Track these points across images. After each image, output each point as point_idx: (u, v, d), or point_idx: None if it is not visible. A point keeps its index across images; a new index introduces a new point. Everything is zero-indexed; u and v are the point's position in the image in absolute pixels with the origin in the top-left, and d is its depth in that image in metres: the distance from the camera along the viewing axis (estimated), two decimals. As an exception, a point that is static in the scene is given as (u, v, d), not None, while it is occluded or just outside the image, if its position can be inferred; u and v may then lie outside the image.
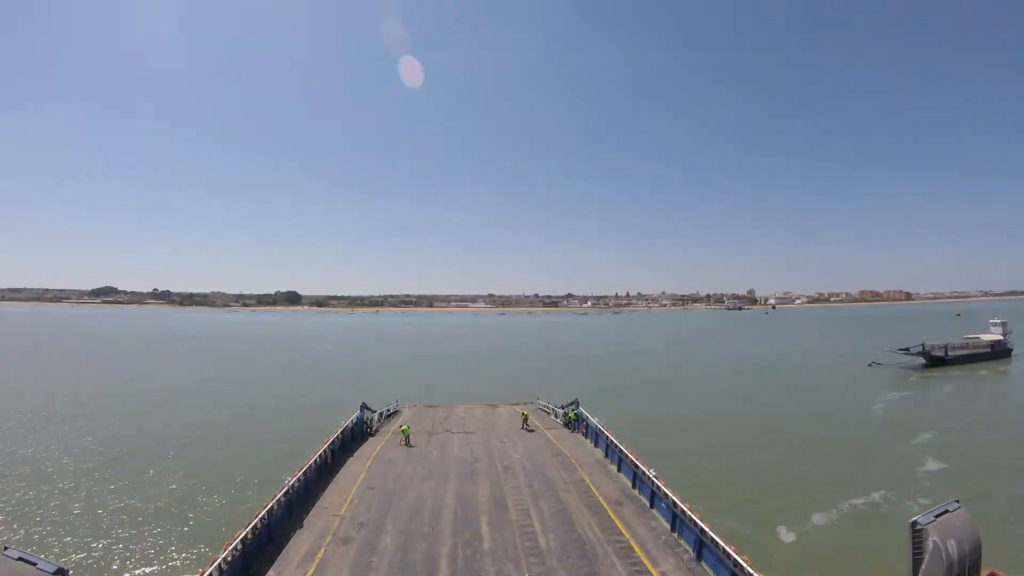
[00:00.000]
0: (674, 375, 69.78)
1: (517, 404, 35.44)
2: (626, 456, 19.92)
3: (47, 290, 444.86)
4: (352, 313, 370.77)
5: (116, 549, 20.32)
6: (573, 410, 28.99)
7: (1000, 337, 78.90)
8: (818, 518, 22.82)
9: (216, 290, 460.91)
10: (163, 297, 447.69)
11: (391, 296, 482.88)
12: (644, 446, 21.90)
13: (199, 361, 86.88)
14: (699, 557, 13.50)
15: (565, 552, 14.13)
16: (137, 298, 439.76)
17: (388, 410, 32.68)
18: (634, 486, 18.88)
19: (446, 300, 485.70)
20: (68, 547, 20.32)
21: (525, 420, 29.60)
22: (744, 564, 11.59)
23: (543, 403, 34.29)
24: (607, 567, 13.32)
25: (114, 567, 19.03)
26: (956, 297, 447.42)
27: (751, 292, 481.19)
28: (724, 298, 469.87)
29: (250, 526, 13.82)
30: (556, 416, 31.19)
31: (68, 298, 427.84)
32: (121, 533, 21.62)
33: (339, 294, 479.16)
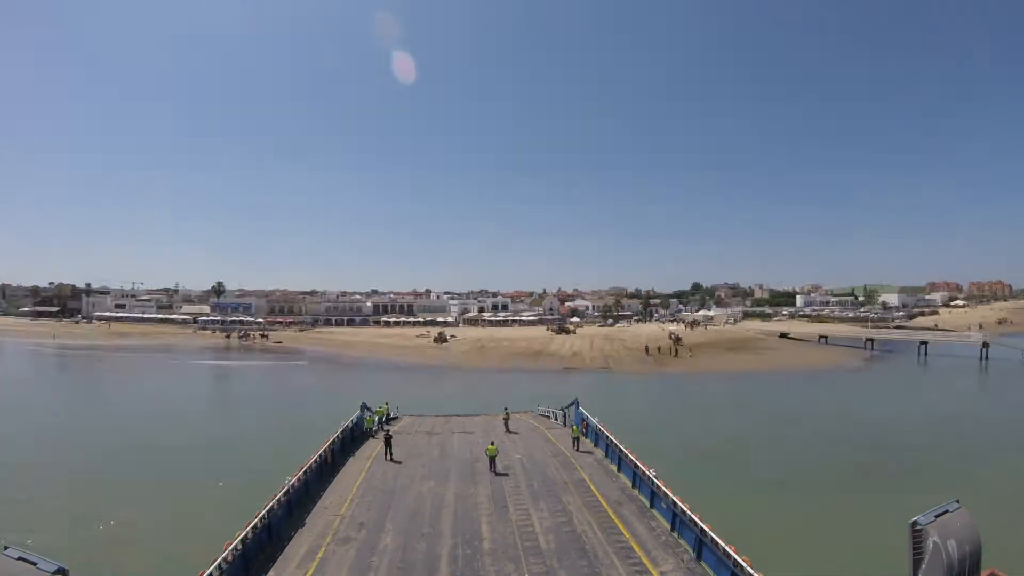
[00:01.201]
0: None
1: (518, 412, 35.54)
2: (626, 456, 19.95)
3: None
4: None
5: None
6: (577, 427, 26.07)
7: None
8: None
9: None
10: None
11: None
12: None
13: None
14: (699, 557, 13.51)
15: (565, 552, 14.15)
16: None
17: (388, 415, 32.86)
18: (634, 486, 18.89)
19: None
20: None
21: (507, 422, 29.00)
22: (744, 564, 11.59)
23: (544, 408, 34.59)
24: (607, 567, 13.34)
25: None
26: None
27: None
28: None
29: (250, 526, 13.84)
30: (556, 418, 31.34)
31: None
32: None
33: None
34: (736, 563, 11.80)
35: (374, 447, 25.47)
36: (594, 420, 25.42)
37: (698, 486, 19.85)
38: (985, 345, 71.10)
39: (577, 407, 28.77)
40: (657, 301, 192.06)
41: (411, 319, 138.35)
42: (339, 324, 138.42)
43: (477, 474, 21.26)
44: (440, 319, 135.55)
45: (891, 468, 30.02)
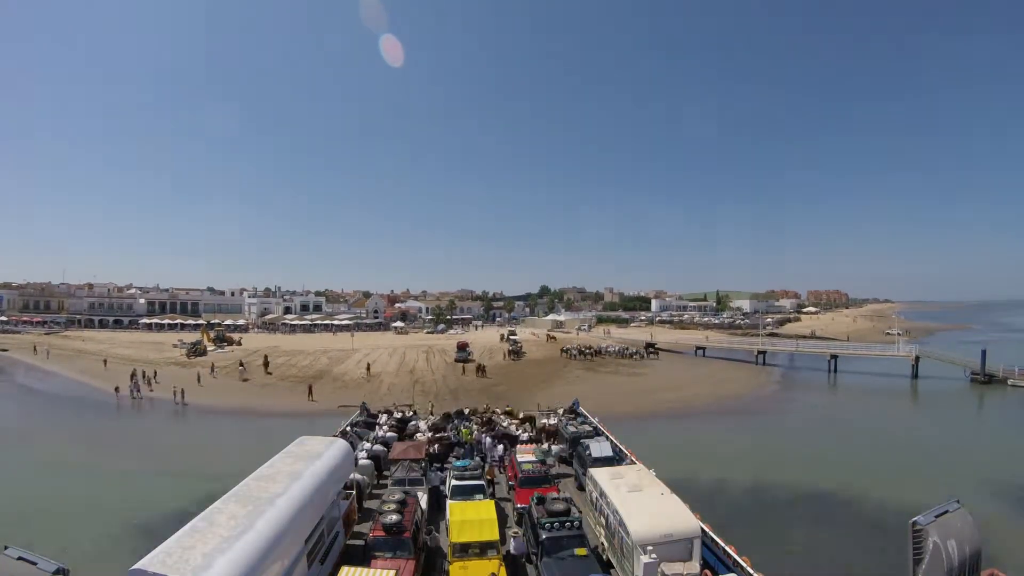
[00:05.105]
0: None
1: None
2: (626, 455, 19.90)
3: None
4: None
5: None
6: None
7: None
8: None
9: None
10: None
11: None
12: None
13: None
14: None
15: None
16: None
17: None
18: None
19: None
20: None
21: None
22: (744, 564, 11.57)
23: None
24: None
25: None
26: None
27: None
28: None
29: None
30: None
31: None
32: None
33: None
34: (736, 563, 11.79)
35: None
36: (594, 419, 25.51)
37: None
38: (917, 360, 56.35)
39: (577, 406, 28.91)
40: (501, 304, 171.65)
41: (191, 320, 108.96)
42: (104, 325, 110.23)
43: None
44: (230, 321, 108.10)
45: None
